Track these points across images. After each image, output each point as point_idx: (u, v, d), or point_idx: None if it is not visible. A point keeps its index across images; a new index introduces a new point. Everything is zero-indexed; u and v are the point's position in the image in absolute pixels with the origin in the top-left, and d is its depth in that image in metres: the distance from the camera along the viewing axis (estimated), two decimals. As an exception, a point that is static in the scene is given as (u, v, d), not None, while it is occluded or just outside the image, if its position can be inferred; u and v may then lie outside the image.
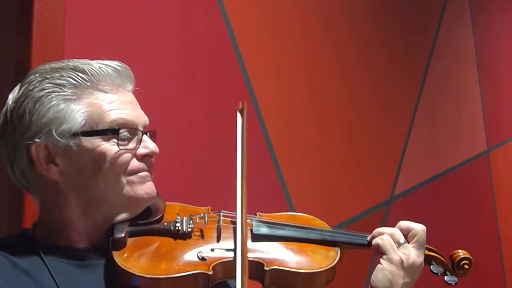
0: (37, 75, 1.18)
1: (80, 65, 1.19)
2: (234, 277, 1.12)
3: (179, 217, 1.22)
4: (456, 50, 4.24)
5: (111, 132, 1.17)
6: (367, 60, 3.19)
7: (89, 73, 1.18)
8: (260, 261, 1.20)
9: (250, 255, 1.18)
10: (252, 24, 2.45)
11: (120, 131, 1.17)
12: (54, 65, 1.20)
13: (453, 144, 4.10)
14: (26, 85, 1.18)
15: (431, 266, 1.36)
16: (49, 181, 1.17)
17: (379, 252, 1.29)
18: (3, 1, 1.76)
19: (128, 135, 1.19)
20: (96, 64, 1.20)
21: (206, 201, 1.33)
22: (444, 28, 4.02)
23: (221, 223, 1.25)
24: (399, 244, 1.28)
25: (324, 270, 1.23)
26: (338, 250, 1.28)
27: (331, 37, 2.92)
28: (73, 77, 1.17)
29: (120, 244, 1.16)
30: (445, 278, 1.37)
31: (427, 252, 1.33)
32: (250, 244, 1.21)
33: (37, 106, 1.15)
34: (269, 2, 2.56)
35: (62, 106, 1.15)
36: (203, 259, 1.17)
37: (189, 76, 2.13)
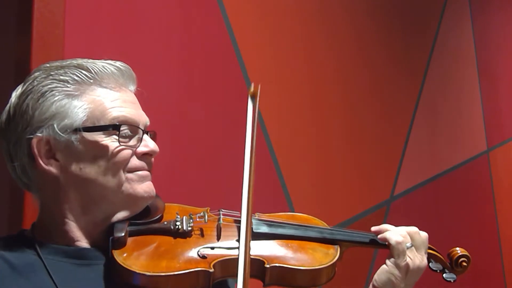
0: (41, 72, 1.20)
1: (84, 63, 1.21)
2: (234, 275, 1.13)
3: (179, 216, 1.23)
4: (456, 50, 4.24)
5: (112, 127, 1.18)
6: (367, 60, 3.19)
7: (92, 71, 1.19)
8: (261, 258, 1.21)
9: (251, 253, 1.18)
10: (252, 24, 2.45)
11: (121, 127, 1.18)
12: (58, 63, 1.22)
13: (453, 144, 4.10)
14: (30, 81, 1.19)
15: (430, 264, 1.38)
16: (49, 176, 1.18)
17: (386, 244, 1.29)
18: (3, 1, 1.76)
19: (129, 132, 1.20)
20: (100, 63, 1.21)
21: (205, 202, 1.34)
22: (444, 28, 4.02)
23: (221, 221, 1.25)
24: (407, 247, 1.29)
25: (325, 268, 1.23)
26: (337, 248, 1.29)
27: (331, 37, 2.92)
28: (77, 74, 1.18)
29: (120, 243, 1.16)
30: (444, 275, 1.39)
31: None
32: (250, 242, 1.21)
33: (40, 101, 1.16)
34: (269, 2, 2.56)
35: (65, 101, 1.16)
36: (203, 257, 1.17)
37: (189, 76, 2.13)
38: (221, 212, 1.29)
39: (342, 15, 3.01)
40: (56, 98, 1.16)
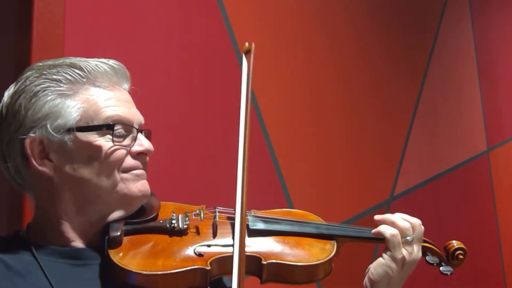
0: (34, 71, 1.18)
1: (77, 62, 1.19)
2: (231, 272, 1.13)
3: (174, 215, 1.22)
4: (456, 50, 4.24)
5: (106, 127, 1.16)
6: (367, 60, 3.19)
7: (85, 70, 1.18)
8: (258, 255, 1.20)
9: (247, 250, 1.18)
10: (252, 24, 2.45)
11: (115, 127, 1.17)
12: (51, 62, 1.20)
13: (453, 144, 4.10)
14: (22, 80, 1.18)
15: (427, 257, 1.38)
16: (43, 177, 1.17)
17: (383, 238, 1.29)
18: (3, 1, 1.76)
19: (123, 132, 1.19)
20: (93, 62, 1.20)
21: (200, 200, 1.33)
22: (444, 28, 4.01)
23: (217, 219, 1.25)
24: (406, 241, 1.29)
25: (322, 263, 1.23)
26: (334, 243, 1.28)
27: (331, 37, 2.92)
28: (70, 73, 1.17)
29: (116, 243, 1.16)
30: (441, 268, 1.39)
31: (422, 243, 1.34)
32: (246, 239, 1.21)
33: (32, 101, 1.15)
34: (269, 2, 2.56)
35: (58, 101, 1.15)
36: (200, 255, 1.17)
37: (189, 76, 2.13)
38: (216, 210, 1.28)
39: (342, 15, 3.01)
40: (48, 98, 1.15)
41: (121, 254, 1.14)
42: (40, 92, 1.15)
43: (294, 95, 2.66)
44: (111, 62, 1.22)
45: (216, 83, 2.25)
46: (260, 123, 2.43)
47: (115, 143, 1.17)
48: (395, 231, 1.29)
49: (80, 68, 1.18)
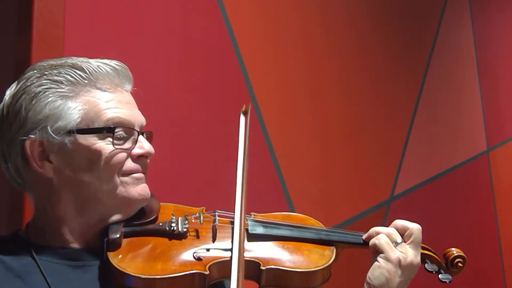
0: (35, 71, 1.18)
1: (78, 63, 1.18)
2: (230, 277, 1.12)
3: (174, 217, 1.22)
4: (456, 50, 4.24)
5: (106, 130, 1.16)
6: (367, 60, 3.19)
7: (87, 71, 1.17)
8: (256, 260, 1.20)
9: (246, 255, 1.17)
10: (252, 24, 2.45)
11: (116, 130, 1.16)
12: (52, 62, 1.20)
13: (453, 144, 4.10)
14: (24, 81, 1.17)
15: (426, 264, 1.37)
16: (43, 178, 1.16)
17: (377, 251, 1.29)
18: (3, 1, 1.76)
19: (124, 134, 1.18)
20: (94, 63, 1.19)
21: (201, 202, 1.33)
22: (444, 28, 4.02)
23: (217, 222, 1.24)
24: (396, 244, 1.28)
25: (320, 269, 1.23)
26: (333, 249, 1.28)
27: (331, 37, 2.92)
28: (71, 74, 1.16)
29: (115, 245, 1.15)
30: (440, 276, 1.38)
31: (421, 250, 1.33)
32: (246, 243, 1.21)
33: (33, 102, 1.14)
34: (269, 2, 2.55)
35: (59, 102, 1.14)
36: (199, 259, 1.16)
37: (189, 76, 2.13)
38: (216, 213, 1.28)
39: (342, 15, 3.01)
40: (49, 99, 1.14)
41: (119, 256, 1.14)
42: (41, 93, 1.15)
43: (294, 95, 2.66)
44: (113, 63, 1.21)
45: (216, 83, 2.25)
46: (260, 123, 2.43)
47: (116, 146, 1.16)
48: (382, 236, 1.29)
49: (82, 69, 1.17)
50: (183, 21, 2.12)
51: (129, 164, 1.19)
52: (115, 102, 1.18)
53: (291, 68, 2.64)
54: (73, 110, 1.15)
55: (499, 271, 4.51)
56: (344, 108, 2.98)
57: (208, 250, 1.19)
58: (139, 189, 1.20)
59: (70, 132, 1.14)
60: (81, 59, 1.20)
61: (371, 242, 1.30)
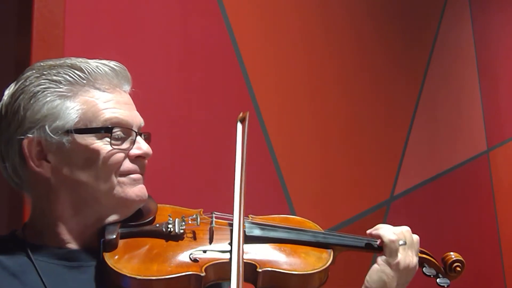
0: (34, 71, 1.18)
1: (77, 63, 1.18)
2: (227, 278, 1.12)
3: (171, 219, 1.21)
4: (456, 50, 4.24)
5: (104, 130, 1.15)
6: (367, 60, 3.19)
7: (86, 71, 1.17)
8: (253, 262, 1.19)
9: (243, 257, 1.17)
10: (252, 24, 2.45)
11: (114, 130, 1.16)
12: (51, 62, 1.19)
13: (453, 144, 4.10)
14: (22, 80, 1.17)
15: (424, 268, 1.37)
16: (41, 178, 1.16)
17: (381, 247, 1.29)
18: (3, 1, 1.76)
19: (122, 135, 1.18)
20: (93, 63, 1.19)
21: (199, 204, 1.33)
22: (444, 28, 4.02)
23: (214, 224, 1.24)
24: (399, 244, 1.28)
25: (317, 272, 1.22)
26: (331, 252, 1.28)
27: (331, 37, 2.92)
28: (70, 74, 1.16)
29: (111, 246, 1.15)
30: (438, 280, 1.38)
31: (419, 254, 1.34)
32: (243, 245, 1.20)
33: (32, 102, 1.14)
34: (269, 2, 2.56)
35: (57, 102, 1.14)
36: (195, 260, 1.16)
37: (189, 76, 2.13)
38: (213, 215, 1.27)
39: (342, 15, 3.01)
40: (48, 99, 1.14)
41: (116, 257, 1.14)
42: (39, 93, 1.14)
43: (294, 95, 2.66)
44: (112, 63, 1.21)
45: (216, 83, 2.25)
46: (260, 123, 2.43)
47: (113, 146, 1.16)
48: (393, 236, 1.29)
49: (81, 70, 1.17)
50: (183, 21, 2.12)
51: (127, 165, 1.19)
52: (114, 103, 1.18)
53: (291, 68, 2.64)
54: (71, 110, 1.15)
55: (499, 271, 4.51)
56: (344, 108, 2.98)
57: (204, 251, 1.18)
58: (136, 190, 1.20)
59: (68, 131, 1.14)
60: (80, 59, 1.20)
61: (380, 233, 1.29)
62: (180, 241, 1.20)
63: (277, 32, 2.57)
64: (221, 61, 2.28)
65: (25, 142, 1.14)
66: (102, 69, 1.19)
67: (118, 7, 1.89)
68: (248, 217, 1.32)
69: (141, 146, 1.21)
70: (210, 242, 1.21)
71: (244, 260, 1.16)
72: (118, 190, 1.18)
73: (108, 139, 1.16)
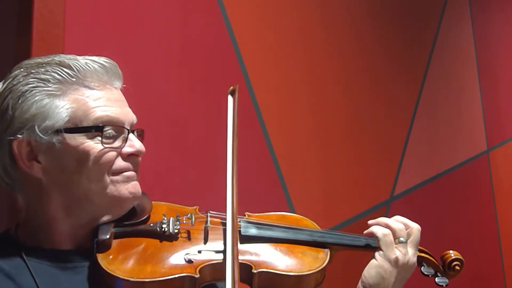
0: (22, 69, 1.15)
1: (66, 60, 1.16)
2: (223, 279, 1.10)
3: (165, 218, 1.20)
4: (456, 50, 4.24)
5: (95, 129, 1.13)
6: (367, 60, 3.19)
7: (74, 69, 1.14)
8: (248, 263, 1.18)
9: (239, 257, 1.15)
10: (252, 24, 2.45)
11: (105, 128, 1.14)
12: (40, 60, 1.17)
13: (453, 144, 4.10)
14: (10, 79, 1.15)
15: (422, 268, 1.36)
16: (32, 178, 1.14)
17: (378, 246, 1.27)
18: (3, 1, 1.76)
19: (114, 133, 1.16)
20: (82, 60, 1.16)
21: (194, 201, 1.32)
22: (444, 28, 4.01)
23: (209, 224, 1.23)
24: (399, 241, 1.27)
25: (314, 273, 1.21)
26: (327, 251, 1.26)
27: (331, 37, 2.92)
28: (58, 72, 1.14)
29: (104, 246, 1.14)
30: (436, 279, 1.36)
31: (418, 253, 1.32)
32: (238, 245, 1.18)
33: (20, 101, 1.12)
34: (269, 2, 2.55)
35: (46, 101, 1.12)
36: (189, 261, 1.15)
37: (188, 76, 2.13)
38: (208, 214, 1.26)
39: (342, 15, 3.01)
40: (36, 98, 1.11)
41: (109, 257, 1.12)
42: (27, 92, 1.12)
43: (294, 95, 2.66)
44: (102, 60, 1.18)
45: (215, 83, 2.25)
46: (260, 123, 2.43)
47: (105, 145, 1.14)
48: (387, 230, 1.28)
49: (69, 67, 1.14)
50: (183, 21, 2.12)
51: (119, 163, 1.17)
52: (104, 100, 1.15)
53: (291, 68, 2.64)
54: (61, 109, 1.12)
55: (499, 271, 4.50)
56: (344, 108, 2.98)
57: (199, 252, 1.17)
58: (130, 187, 1.18)
59: (58, 131, 1.12)
60: (68, 56, 1.18)
61: (375, 231, 1.28)
62: (174, 241, 1.18)
63: (277, 32, 2.57)
64: (221, 61, 2.28)
65: (14, 142, 1.12)
66: (92, 66, 1.16)
67: (118, 7, 1.89)
68: (244, 215, 1.30)
69: (134, 143, 1.19)
70: (205, 242, 1.20)
71: (239, 261, 1.15)
72: (111, 189, 1.16)
73: (100, 138, 1.14)
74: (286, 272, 1.19)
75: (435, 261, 1.37)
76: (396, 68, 3.46)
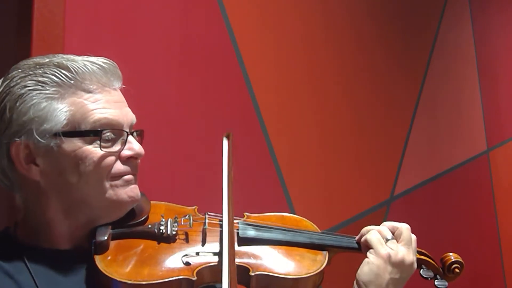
0: (20, 70, 1.14)
1: (64, 61, 1.14)
2: (219, 281, 1.09)
3: (163, 220, 1.19)
4: (456, 50, 4.24)
5: (93, 133, 1.12)
6: (367, 60, 3.19)
7: (73, 71, 1.13)
8: (246, 266, 1.18)
9: (236, 260, 1.15)
10: (252, 24, 2.45)
11: (103, 132, 1.13)
12: (38, 60, 1.15)
13: (453, 144, 4.10)
14: (8, 81, 1.13)
15: (421, 270, 1.35)
16: (30, 181, 1.13)
17: (368, 248, 1.28)
18: (3, 1, 1.76)
19: (112, 135, 1.15)
20: (81, 61, 1.15)
21: (193, 202, 1.31)
22: (444, 28, 4.01)
23: (207, 226, 1.22)
24: (386, 240, 1.27)
25: (312, 275, 1.20)
26: (326, 254, 1.26)
27: (331, 37, 2.92)
28: (57, 74, 1.12)
29: (102, 247, 1.13)
30: (435, 282, 1.36)
31: (418, 255, 1.32)
32: (236, 247, 1.18)
33: (18, 104, 1.10)
34: (269, 2, 2.55)
35: (44, 104, 1.10)
36: (187, 263, 1.14)
37: (188, 76, 2.13)
38: (207, 216, 1.25)
39: (342, 15, 3.01)
40: (34, 102, 1.10)
41: (107, 259, 1.12)
42: (25, 95, 1.11)
43: (294, 95, 2.66)
44: (101, 61, 1.17)
45: (216, 83, 2.25)
46: (260, 123, 2.43)
47: (104, 149, 1.13)
48: (373, 231, 1.29)
49: (68, 69, 1.13)
50: (183, 21, 2.12)
51: (118, 167, 1.16)
52: (103, 102, 1.14)
53: (291, 68, 2.64)
54: (59, 112, 1.11)
55: (499, 271, 4.50)
56: (344, 108, 2.98)
57: (197, 254, 1.17)
58: (129, 191, 1.17)
59: (56, 135, 1.10)
60: (67, 57, 1.16)
61: (363, 238, 1.30)
62: (172, 243, 1.18)
63: (277, 32, 2.57)
64: (221, 61, 2.28)
65: (12, 145, 1.11)
66: (90, 68, 1.14)
67: (118, 7, 1.89)
68: (243, 215, 1.30)
69: (133, 146, 1.18)
70: (203, 244, 1.19)
71: (237, 263, 1.14)
72: (110, 193, 1.15)
73: (98, 142, 1.12)
74: (284, 275, 1.19)
75: (434, 264, 1.37)
76: (396, 68, 3.46)
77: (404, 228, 1.30)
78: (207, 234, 1.21)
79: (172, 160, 2.01)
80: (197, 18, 2.17)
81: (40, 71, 1.13)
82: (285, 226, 1.30)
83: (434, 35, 3.92)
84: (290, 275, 1.19)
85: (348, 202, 2.94)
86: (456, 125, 4.16)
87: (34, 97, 1.11)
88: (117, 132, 1.15)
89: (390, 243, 1.27)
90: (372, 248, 1.26)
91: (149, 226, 1.19)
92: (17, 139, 1.11)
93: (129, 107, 1.22)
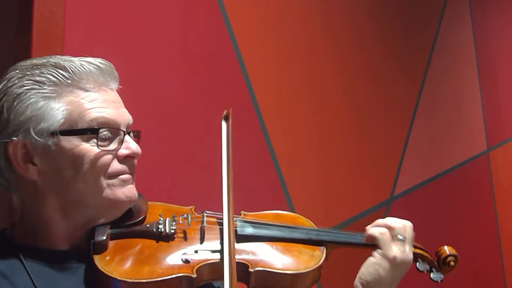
0: (17, 71, 1.15)
1: (61, 62, 1.15)
2: (220, 278, 1.10)
3: (161, 219, 1.20)
4: (456, 50, 4.24)
5: (90, 131, 1.12)
6: (367, 60, 3.19)
7: (70, 71, 1.13)
8: (245, 262, 1.18)
9: (235, 257, 1.15)
10: (252, 24, 2.45)
11: (100, 130, 1.13)
12: (35, 61, 1.16)
13: (453, 144, 4.10)
14: (5, 81, 1.14)
15: (417, 264, 1.36)
16: (28, 180, 1.13)
17: (374, 243, 1.28)
18: (3, 1, 1.76)
19: (109, 134, 1.15)
20: (78, 62, 1.16)
21: (191, 201, 1.32)
22: (444, 28, 4.02)
23: (205, 224, 1.23)
24: (397, 239, 1.27)
25: (310, 271, 1.21)
26: (323, 249, 1.27)
27: (331, 37, 2.92)
28: (54, 74, 1.13)
29: (101, 247, 1.13)
30: (431, 275, 1.37)
31: (413, 249, 1.32)
32: (235, 245, 1.18)
33: (15, 103, 1.11)
34: (270, 2, 2.56)
35: (41, 103, 1.11)
36: (186, 261, 1.15)
37: (188, 76, 2.13)
38: (204, 214, 1.26)
39: (342, 15, 3.01)
40: (31, 101, 1.11)
41: (106, 259, 1.12)
42: (22, 95, 1.11)
43: (294, 95, 2.66)
44: (98, 61, 1.18)
45: (215, 83, 2.25)
46: (260, 123, 2.43)
47: (101, 148, 1.13)
48: (383, 229, 1.28)
49: (65, 69, 1.13)
50: (183, 21, 2.12)
51: (115, 166, 1.16)
52: (100, 102, 1.15)
53: (291, 68, 2.64)
54: (56, 111, 1.11)
55: (499, 271, 4.50)
56: (344, 108, 2.98)
57: (196, 252, 1.17)
58: (126, 191, 1.17)
59: (53, 133, 1.11)
60: (64, 58, 1.17)
61: (371, 232, 1.29)
62: (171, 242, 1.18)
63: (277, 32, 2.57)
64: (221, 61, 2.28)
65: (10, 145, 1.11)
66: (87, 67, 1.15)
67: (118, 7, 1.89)
68: (240, 214, 1.30)
69: (130, 145, 1.18)
70: (201, 242, 1.20)
71: (236, 260, 1.15)
72: (107, 192, 1.15)
73: (95, 141, 1.13)
74: (283, 270, 1.20)
75: (430, 257, 1.37)
76: (396, 68, 3.46)
77: (408, 226, 1.30)
78: (206, 232, 1.22)
79: (172, 160, 2.01)
80: (197, 18, 2.17)
81: (37, 71, 1.14)
82: (283, 223, 1.31)
83: (434, 35, 3.92)
84: (289, 271, 1.20)
85: (348, 202, 2.94)
86: (456, 125, 4.16)
87: (32, 97, 1.12)
88: (114, 131, 1.16)
89: (400, 243, 1.27)
90: (380, 248, 1.27)
91: (148, 225, 1.19)
92: (14, 138, 1.11)
93: (128, 106, 1.22)
